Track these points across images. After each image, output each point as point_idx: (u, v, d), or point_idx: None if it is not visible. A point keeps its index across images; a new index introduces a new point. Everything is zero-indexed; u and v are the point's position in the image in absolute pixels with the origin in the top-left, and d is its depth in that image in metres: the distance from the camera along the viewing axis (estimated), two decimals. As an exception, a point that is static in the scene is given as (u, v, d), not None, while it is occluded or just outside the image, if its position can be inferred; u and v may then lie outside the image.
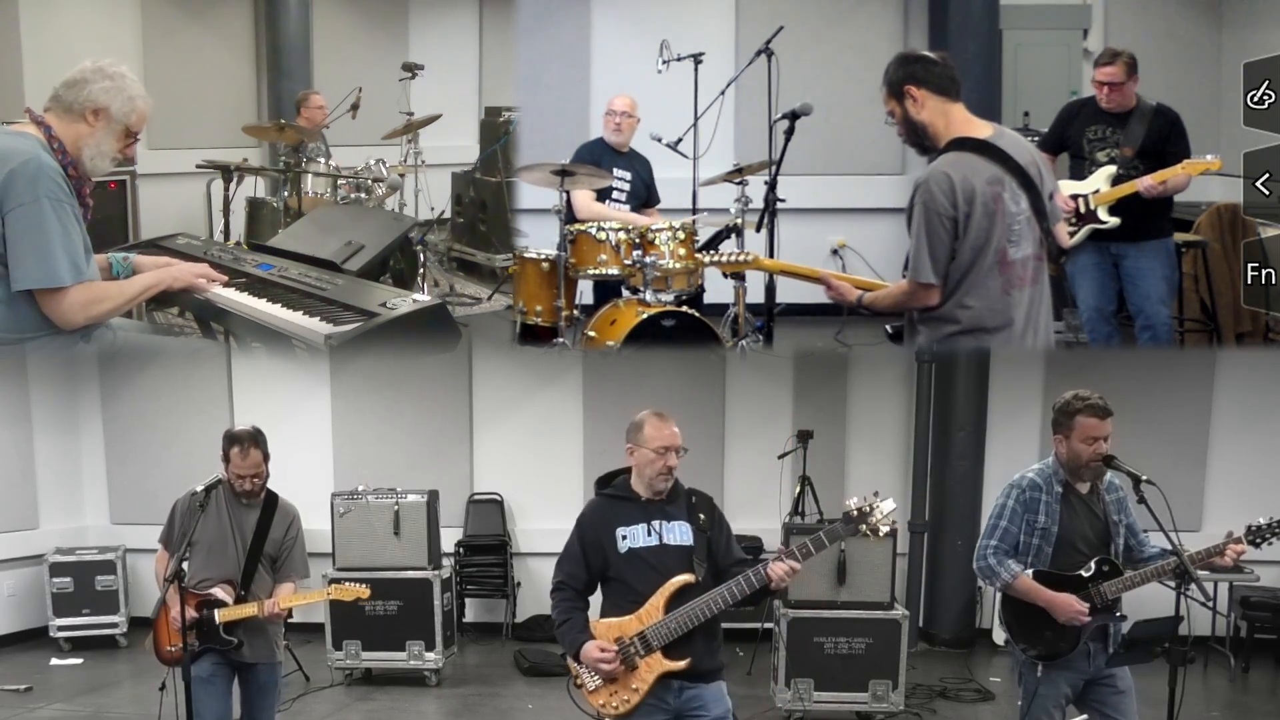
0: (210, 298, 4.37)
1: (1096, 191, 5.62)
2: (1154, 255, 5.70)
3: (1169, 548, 3.95)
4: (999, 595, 4.20)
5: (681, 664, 3.75)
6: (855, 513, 3.77)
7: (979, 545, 4.16)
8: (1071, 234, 5.69)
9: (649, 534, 3.84)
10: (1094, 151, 5.69)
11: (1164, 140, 5.56)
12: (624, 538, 3.85)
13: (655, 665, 3.75)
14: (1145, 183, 5.41)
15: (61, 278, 3.44)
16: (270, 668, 4.66)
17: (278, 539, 4.61)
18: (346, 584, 4.91)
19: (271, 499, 4.63)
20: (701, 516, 3.87)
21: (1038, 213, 3.76)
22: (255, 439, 4.51)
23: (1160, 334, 5.76)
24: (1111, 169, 5.62)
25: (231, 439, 4.52)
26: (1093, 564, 4.06)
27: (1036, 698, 4.07)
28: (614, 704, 3.78)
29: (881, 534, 3.82)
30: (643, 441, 3.85)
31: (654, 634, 3.74)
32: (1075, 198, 5.66)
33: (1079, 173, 5.76)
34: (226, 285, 4.43)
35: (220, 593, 4.48)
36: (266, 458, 4.54)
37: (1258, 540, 4.08)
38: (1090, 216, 5.64)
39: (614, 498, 3.94)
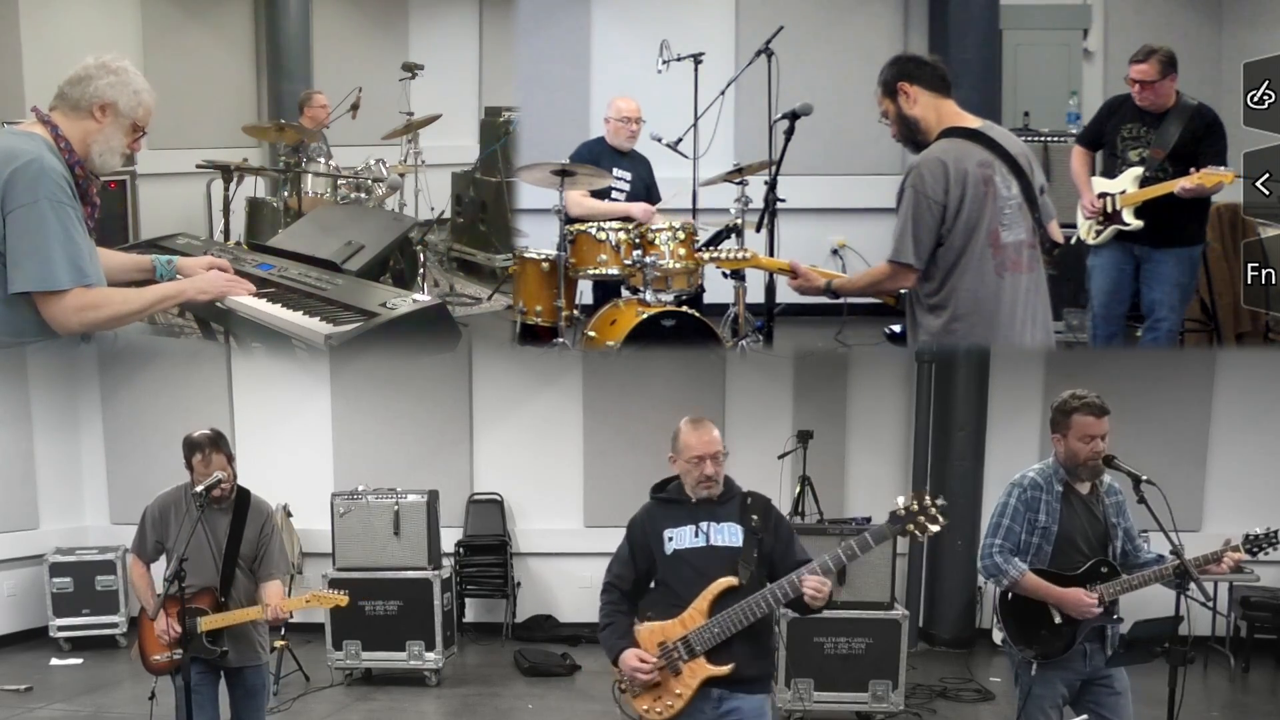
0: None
1: (1123, 192, 5.53)
2: (1175, 262, 5.55)
3: (1165, 553, 3.96)
4: (997, 595, 4.21)
5: (725, 669, 3.65)
6: (903, 512, 3.69)
7: (983, 544, 4.16)
8: (1097, 233, 5.65)
9: (696, 535, 3.76)
10: (1126, 150, 5.57)
11: (1198, 141, 5.40)
12: (670, 539, 3.78)
13: (699, 670, 3.66)
14: (1182, 184, 5.28)
15: (59, 281, 3.37)
16: (256, 670, 4.61)
17: (253, 539, 4.53)
18: (326, 593, 4.83)
19: (243, 498, 4.53)
20: (755, 518, 3.76)
21: (1029, 201, 3.82)
22: (215, 443, 4.42)
23: (1162, 339, 5.72)
24: (1139, 170, 5.49)
25: (192, 446, 4.42)
26: (1087, 565, 4.06)
27: (1033, 697, 4.08)
28: (657, 709, 3.70)
29: (931, 531, 3.71)
30: (680, 451, 3.80)
31: (697, 638, 3.66)
32: (1103, 196, 5.58)
33: (1111, 170, 5.65)
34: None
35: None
36: (230, 459, 4.46)
37: (1254, 550, 4.10)
38: (1115, 217, 5.54)
39: (665, 501, 3.87)
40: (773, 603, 3.66)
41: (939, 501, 3.70)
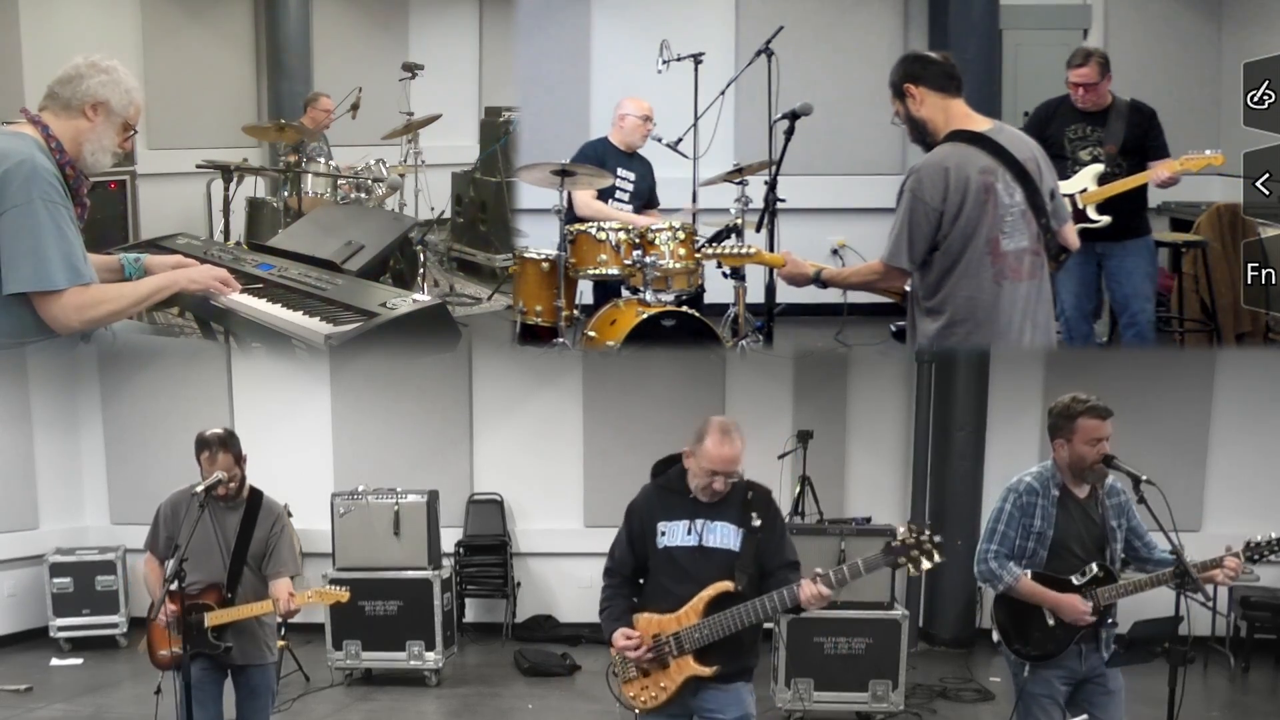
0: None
1: (1084, 190, 5.59)
2: (1138, 254, 5.75)
3: (1169, 548, 3.96)
4: (994, 597, 4.22)
5: (708, 670, 3.73)
6: (899, 544, 3.67)
7: (979, 550, 4.17)
8: None
9: (689, 533, 3.77)
10: (1076, 150, 5.68)
11: (1144, 136, 5.62)
12: (663, 533, 3.80)
13: (685, 668, 3.75)
14: (1161, 175, 5.43)
15: (55, 280, 3.37)
16: (262, 670, 4.58)
17: (262, 538, 4.52)
18: (328, 589, 4.83)
19: (255, 499, 4.54)
20: (754, 515, 3.76)
21: (1035, 208, 3.81)
22: (224, 442, 4.42)
23: (1144, 331, 5.80)
24: (1099, 167, 5.59)
25: (201, 444, 4.43)
26: (1088, 569, 4.06)
27: (1031, 696, 4.11)
28: (644, 697, 3.81)
29: (924, 567, 3.67)
30: (700, 455, 3.74)
31: (688, 637, 3.73)
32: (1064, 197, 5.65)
33: (1061, 172, 5.71)
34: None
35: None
36: (239, 459, 4.46)
37: (1255, 557, 4.11)
38: (1079, 216, 5.58)
39: (663, 489, 3.87)
40: (763, 615, 3.69)
41: (936, 538, 3.67)
